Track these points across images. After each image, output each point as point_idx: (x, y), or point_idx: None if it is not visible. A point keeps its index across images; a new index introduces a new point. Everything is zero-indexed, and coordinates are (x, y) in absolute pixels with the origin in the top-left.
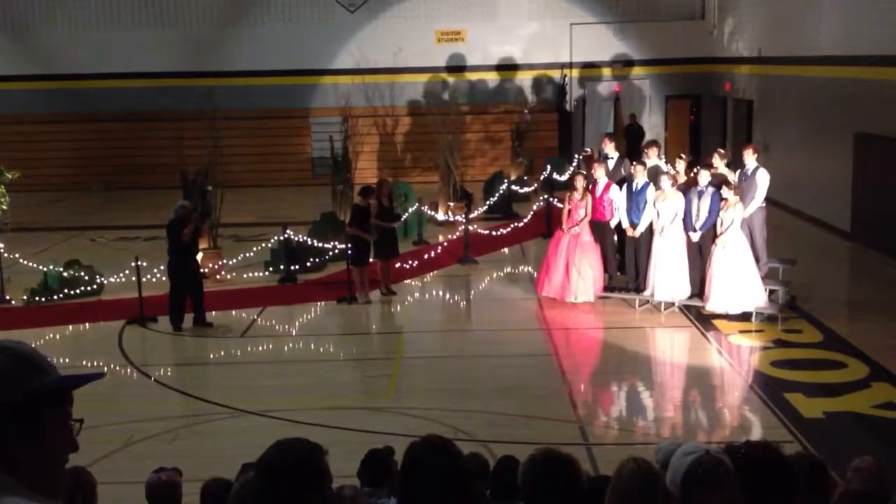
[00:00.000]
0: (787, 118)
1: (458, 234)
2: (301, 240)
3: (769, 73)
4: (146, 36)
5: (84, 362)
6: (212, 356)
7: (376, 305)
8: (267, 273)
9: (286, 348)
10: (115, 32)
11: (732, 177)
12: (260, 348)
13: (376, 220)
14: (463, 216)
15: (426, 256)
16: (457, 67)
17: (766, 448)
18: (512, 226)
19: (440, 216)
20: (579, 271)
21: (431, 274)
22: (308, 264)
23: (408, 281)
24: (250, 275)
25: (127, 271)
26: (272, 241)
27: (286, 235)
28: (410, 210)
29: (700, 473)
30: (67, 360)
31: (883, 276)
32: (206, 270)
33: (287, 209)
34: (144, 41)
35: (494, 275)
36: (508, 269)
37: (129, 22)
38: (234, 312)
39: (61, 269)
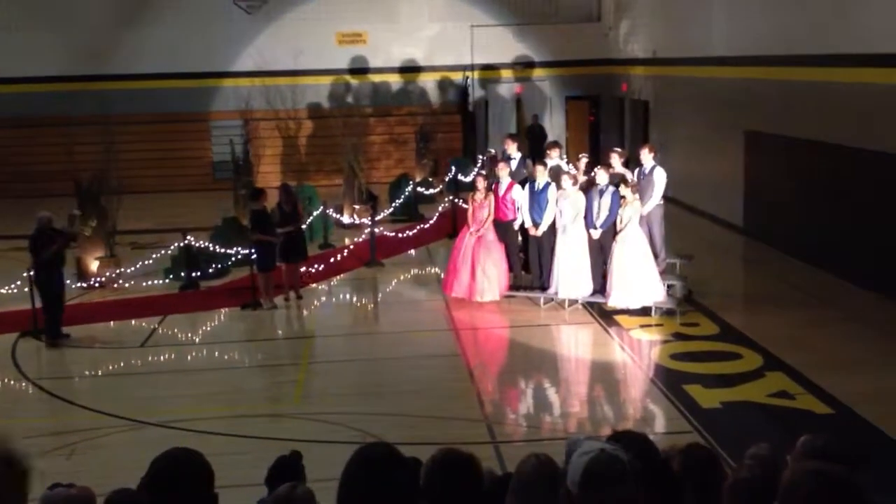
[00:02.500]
0: (681, 118)
1: (363, 236)
2: (202, 246)
3: (664, 74)
4: (36, 39)
5: None
6: (111, 367)
7: (282, 311)
8: (167, 280)
9: (189, 357)
10: (2, 36)
11: (630, 175)
12: (161, 358)
13: (255, 232)
14: (368, 219)
15: (332, 260)
16: (359, 70)
17: (635, 438)
18: (418, 227)
19: (345, 219)
20: (484, 271)
21: (338, 277)
22: (210, 271)
23: (314, 285)
24: (150, 283)
25: (19, 282)
26: (172, 247)
27: (186, 241)
28: (315, 213)
29: (597, 472)
30: None
31: (774, 269)
32: (103, 279)
33: (188, 215)
34: (34, 45)
35: (401, 277)
36: (415, 271)
37: (18, 25)
38: (133, 322)
39: None
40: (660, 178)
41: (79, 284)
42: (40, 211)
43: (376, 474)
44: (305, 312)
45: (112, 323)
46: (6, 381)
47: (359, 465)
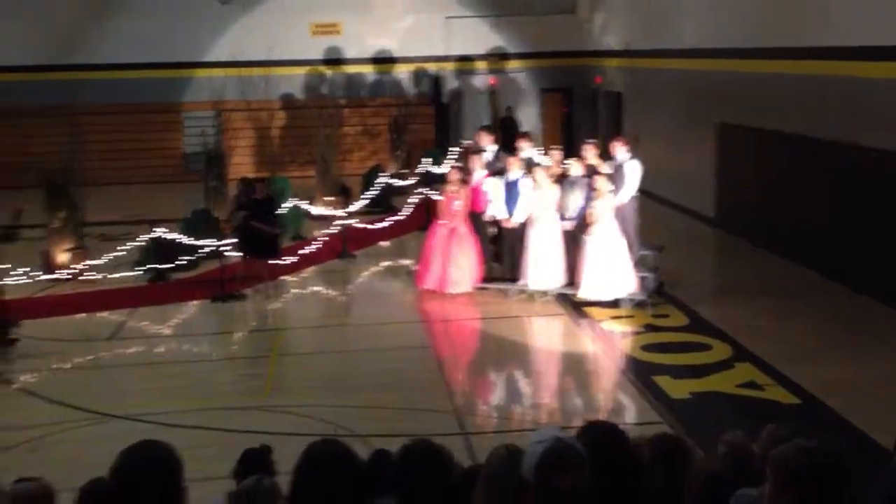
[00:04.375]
0: (654, 110)
1: (336, 228)
2: (172, 237)
3: (637, 66)
4: (6, 29)
5: None
6: (79, 360)
7: (252, 303)
8: (136, 272)
9: (158, 350)
10: None
11: (604, 167)
12: (130, 351)
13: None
14: (341, 210)
15: (304, 252)
16: (333, 60)
17: (605, 428)
18: (390, 219)
19: (317, 211)
20: (457, 262)
21: (310, 269)
22: (180, 262)
23: (286, 277)
24: (119, 275)
25: None
26: (141, 239)
27: (157, 233)
28: (287, 205)
29: (551, 460)
30: None
31: (744, 260)
32: (73, 271)
33: (158, 206)
34: (5, 35)
35: (373, 269)
36: (387, 263)
37: None
38: (101, 314)
39: None
40: (633, 170)
41: (47, 276)
42: None
43: (325, 472)
44: (276, 304)
45: (80, 315)
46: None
47: (307, 463)
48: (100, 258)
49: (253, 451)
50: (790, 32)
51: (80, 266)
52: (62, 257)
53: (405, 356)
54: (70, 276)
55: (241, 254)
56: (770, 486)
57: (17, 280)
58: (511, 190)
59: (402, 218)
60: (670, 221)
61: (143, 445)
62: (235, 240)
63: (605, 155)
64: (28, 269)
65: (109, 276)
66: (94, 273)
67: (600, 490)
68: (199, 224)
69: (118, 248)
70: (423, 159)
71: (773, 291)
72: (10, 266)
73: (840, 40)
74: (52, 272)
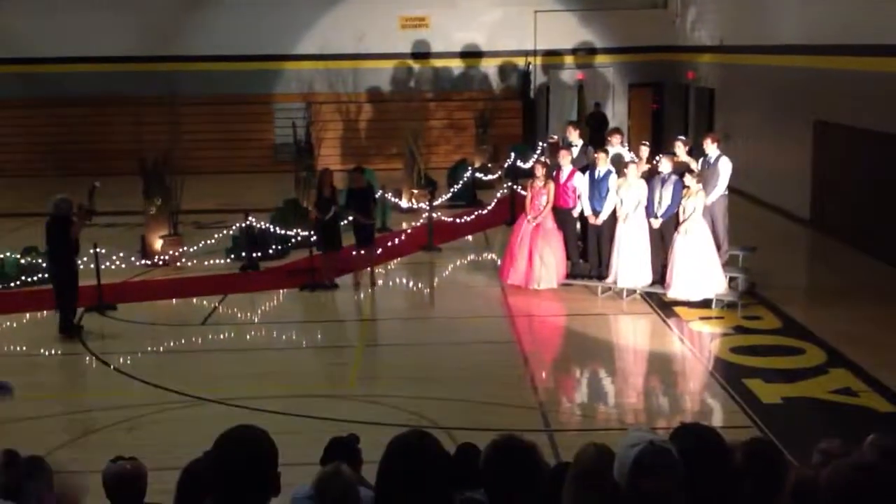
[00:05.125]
0: (748, 107)
1: (421, 221)
2: (263, 227)
3: (731, 62)
4: (104, 20)
5: (42, 350)
6: (172, 344)
7: (339, 293)
8: (228, 260)
9: (248, 336)
10: (72, 16)
11: (694, 165)
12: (221, 336)
13: (315, 210)
14: (427, 203)
15: (390, 244)
16: (421, 54)
17: (700, 431)
18: (476, 213)
19: (404, 203)
20: (542, 258)
21: (395, 261)
22: (270, 251)
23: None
24: (211, 262)
25: (85, 258)
26: (234, 228)
27: (248, 222)
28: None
29: (646, 464)
30: (25, 349)
31: (840, 263)
32: (167, 257)
33: (249, 196)
34: (103, 25)
35: (458, 262)
36: (472, 257)
37: (86, 5)
38: (194, 300)
39: (18, 256)
40: (725, 168)
41: (143, 262)
42: (56, 195)
43: (411, 462)
44: (363, 295)
45: (174, 301)
46: (71, 355)
47: (394, 453)
48: (193, 246)
49: (340, 440)
50: (889, 29)
51: (174, 252)
52: (157, 244)
53: (489, 350)
54: (164, 262)
55: (318, 245)
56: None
57: (115, 265)
58: (598, 186)
59: (487, 212)
60: (763, 221)
61: (240, 430)
62: (316, 232)
63: (696, 152)
64: (124, 254)
65: (202, 264)
66: (187, 260)
67: (695, 496)
68: (290, 214)
69: (211, 236)
70: (510, 154)
71: (870, 295)
72: (106, 251)
73: None
74: (149, 258)
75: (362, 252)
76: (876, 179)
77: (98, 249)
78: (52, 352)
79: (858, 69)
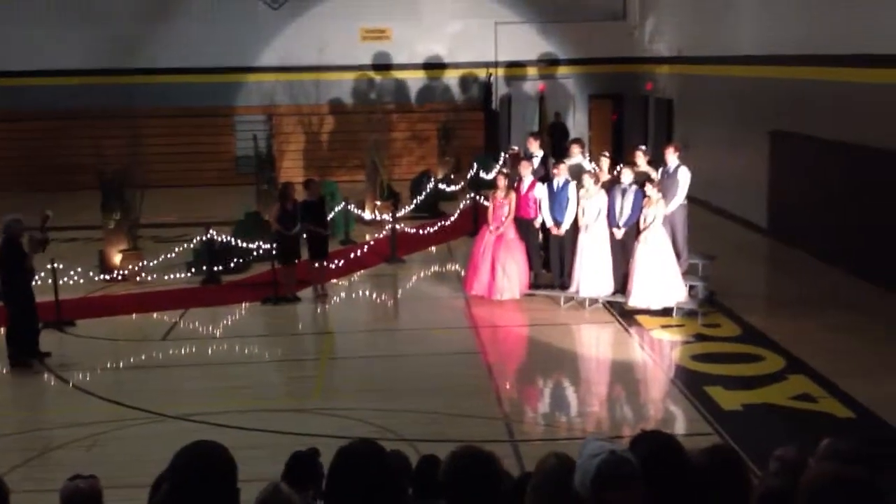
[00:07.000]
0: (706, 117)
1: (385, 233)
2: (224, 240)
3: (689, 73)
4: (62, 32)
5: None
6: (133, 360)
7: (302, 306)
8: (189, 274)
9: (210, 351)
10: (30, 30)
11: (654, 175)
12: (182, 351)
13: (277, 224)
14: (390, 215)
15: (353, 256)
16: (382, 66)
17: (660, 438)
18: (439, 224)
19: (367, 215)
20: (504, 269)
21: (358, 273)
22: (232, 265)
23: (335, 281)
24: (172, 276)
25: (42, 273)
26: (194, 241)
27: (209, 235)
28: (337, 209)
29: (608, 474)
30: None
31: (798, 271)
32: (126, 272)
33: (210, 209)
34: (61, 38)
35: (422, 273)
36: (436, 268)
37: (42, 18)
38: (155, 315)
39: None
40: (684, 177)
41: (102, 277)
42: (6, 215)
43: (357, 472)
44: (326, 308)
45: (134, 316)
46: (28, 372)
47: (342, 463)
48: (154, 260)
49: (301, 454)
50: (844, 39)
51: (134, 267)
52: (117, 258)
53: (453, 361)
54: (124, 277)
55: (279, 259)
56: None
57: (73, 280)
58: (558, 196)
59: (450, 223)
60: (722, 230)
61: (198, 446)
62: (275, 244)
63: (656, 162)
64: (82, 269)
65: (163, 278)
66: (147, 275)
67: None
68: (251, 227)
69: (172, 249)
70: (472, 165)
71: (827, 303)
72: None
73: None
74: (108, 273)
75: (315, 265)
76: (831, 188)
77: (56, 264)
78: (8, 369)
79: (814, 79)
